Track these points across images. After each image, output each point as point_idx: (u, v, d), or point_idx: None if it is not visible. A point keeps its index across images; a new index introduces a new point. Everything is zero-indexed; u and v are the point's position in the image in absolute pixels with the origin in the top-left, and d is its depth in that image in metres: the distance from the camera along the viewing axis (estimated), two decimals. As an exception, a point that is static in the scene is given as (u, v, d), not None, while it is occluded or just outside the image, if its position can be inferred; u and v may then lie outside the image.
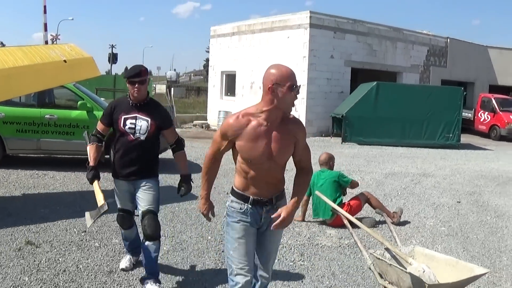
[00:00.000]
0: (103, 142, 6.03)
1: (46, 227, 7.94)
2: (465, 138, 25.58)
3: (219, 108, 29.79)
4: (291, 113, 4.34)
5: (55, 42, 44.71)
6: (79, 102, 12.44)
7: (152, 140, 5.86)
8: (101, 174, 6.03)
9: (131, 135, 5.74)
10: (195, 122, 31.48)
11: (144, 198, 5.76)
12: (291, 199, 4.30)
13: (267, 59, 26.41)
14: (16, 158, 13.10)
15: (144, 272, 5.90)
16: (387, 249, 5.74)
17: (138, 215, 5.94)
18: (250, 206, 4.37)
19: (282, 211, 4.21)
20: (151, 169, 5.91)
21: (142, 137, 5.75)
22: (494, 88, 35.89)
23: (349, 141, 22.20)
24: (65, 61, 9.30)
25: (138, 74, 5.71)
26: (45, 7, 34.44)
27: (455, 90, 23.89)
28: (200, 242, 7.59)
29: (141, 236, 5.99)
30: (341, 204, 8.47)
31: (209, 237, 7.87)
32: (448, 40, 33.42)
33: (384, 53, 29.19)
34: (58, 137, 12.48)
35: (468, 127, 30.17)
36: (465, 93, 23.36)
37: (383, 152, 19.91)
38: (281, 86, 4.10)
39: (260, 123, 4.21)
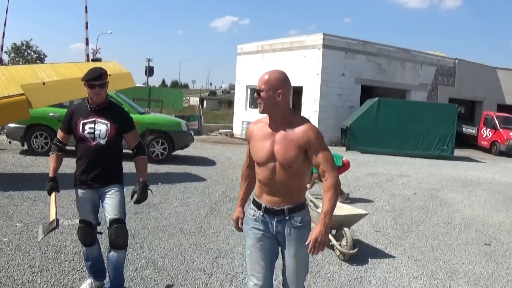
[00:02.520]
0: (65, 151, 5.78)
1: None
2: (467, 152, 27.85)
3: (243, 119, 32.46)
4: (304, 117, 4.40)
5: (95, 55, 47.51)
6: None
7: (113, 145, 5.59)
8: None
9: (91, 140, 5.51)
10: (220, 130, 34.22)
11: (110, 205, 5.52)
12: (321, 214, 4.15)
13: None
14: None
15: (109, 282, 5.74)
16: (311, 201, 8.50)
17: (101, 233, 5.90)
18: (262, 213, 4.34)
19: (311, 233, 4.10)
20: (115, 175, 5.63)
21: (102, 142, 5.51)
22: (502, 107, 37.51)
23: (353, 150, 24.55)
24: (109, 75, 12.10)
25: (99, 77, 5.52)
26: (86, 23, 36.89)
27: (450, 106, 26.24)
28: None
29: (102, 248, 5.95)
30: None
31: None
32: (457, 61, 35.34)
33: (393, 72, 31.51)
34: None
35: (473, 142, 32.19)
36: (459, 110, 25.46)
37: (378, 159, 22.28)
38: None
39: (266, 125, 4.30)
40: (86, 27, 37.14)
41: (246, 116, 32.82)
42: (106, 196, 5.56)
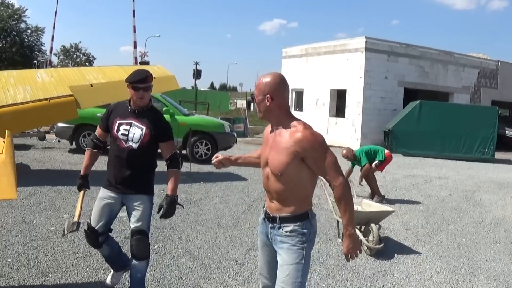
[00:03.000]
0: (102, 149, 5.75)
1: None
2: (510, 155, 27.69)
3: (288, 122, 33.02)
4: (302, 122, 4.09)
5: (143, 58, 48.54)
6: (164, 108, 16.38)
7: (146, 151, 5.41)
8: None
9: (123, 142, 5.36)
10: (266, 132, 34.86)
11: (135, 216, 5.40)
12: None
13: (330, 79, 29.80)
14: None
15: None
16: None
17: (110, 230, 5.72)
18: (263, 217, 4.31)
19: (343, 249, 4.12)
20: (144, 184, 5.45)
21: (134, 145, 5.34)
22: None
23: (395, 152, 24.25)
24: (155, 78, 12.77)
25: (144, 80, 5.37)
26: (134, 26, 37.92)
27: (491, 109, 26.37)
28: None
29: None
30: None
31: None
32: (499, 63, 35.11)
33: (436, 75, 31.58)
34: (146, 135, 15.92)
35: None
36: (500, 112, 25.51)
37: (419, 161, 22.52)
38: None
39: (270, 129, 4.25)
40: (134, 31, 38.16)
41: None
42: (133, 206, 5.43)
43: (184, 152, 16.83)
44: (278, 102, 4.06)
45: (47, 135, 19.65)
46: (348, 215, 3.99)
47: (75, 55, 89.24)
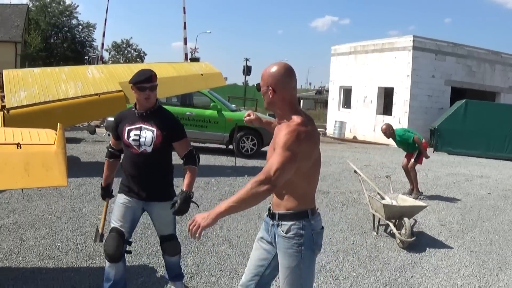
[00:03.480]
0: (119, 158, 5.63)
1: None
2: None
3: (336, 119, 33.31)
4: (297, 115, 3.84)
5: (194, 54, 49.28)
6: (211, 104, 17.18)
7: (160, 153, 5.27)
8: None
9: (136, 148, 5.23)
10: (314, 129, 35.25)
11: (162, 223, 5.43)
12: None
13: (378, 76, 30.07)
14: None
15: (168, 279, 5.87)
16: (378, 193, 9.39)
17: (130, 252, 5.54)
18: (267, 213, 4.12)
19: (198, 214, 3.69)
20: (164, 189, 5.35)
21: (148, 149, 5.21)
22: None
23: (440, 151, 24.95)
24: (202, 74, 13.32)
25: (149, 79, 5.23)
26: (185, 23, 38.54)
27: (538, 109, 26.04)
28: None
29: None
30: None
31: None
32: None
33: (483, 74, 31.51)
34: (195, 129, 16.85)
35: None
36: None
37: (463, 160, 22.61)
38: None
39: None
40: (185, 27, 38.79)
41: (339, 116, 33.65)
42: (157, 214, 5.38)
43: (230, 147, 17.46)
44: (281, 95, 3.85)
45: (97, 129, 20.39)
46: (233, 197, 3.58)
47: (126, 51, 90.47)
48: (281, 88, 3.83)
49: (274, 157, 3.62)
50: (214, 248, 7.63)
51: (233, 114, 17.55)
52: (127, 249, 5.35)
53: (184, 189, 5.10)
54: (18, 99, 10.35)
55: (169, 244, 5.47)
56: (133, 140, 5.23)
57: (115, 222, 5.31)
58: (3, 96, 10.48)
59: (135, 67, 12.29)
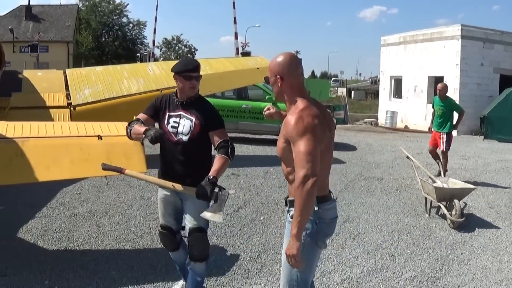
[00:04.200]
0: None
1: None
2: None
3: (387, 109, 33.72)
4: (303, 104, 3.90)
5: (244, 49, 50.04)
6: (267, 97, 17.85)
7: (197, 143, 5.17)
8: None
9: (173, 136, 5.18)
10: (365, 120, 35.75)
11: (191, 212, 5.18)
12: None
13: (427, 66, 30.37)
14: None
15: None
16: (429, 177, 10.05)
17: (186, 237, 5.38)
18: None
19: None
20: (200, 178, 4.96)
21: (185, 138, 5.14)
22: None
23: (490, 138, 25.05)
24: (257, 68, 14.00)
25: (196, 69, 5.22)
26: (235, 18, 39.38)
27: None
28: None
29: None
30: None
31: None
32: None
33: (531, 62, 31.35)
34: (251, 121, 17.68)
35: None
36: None
37: None
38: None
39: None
40: (235, 22, 39.60)
41: (390, 106, 33.96)
42: (188, 201, 5.20)
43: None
44: (289, 82, 3.96)
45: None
46: (296, 213, 3.66)
47: (177, 47, 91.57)
48: (289, 76, 3.96)
49: (296, 150, 3.68)
50: (277, 230, 8.33)
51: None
52: (183, 235, 5.48)
53: (210, 174, 4.89)
54: (83, 96, 10.83)
55: (199, 236, 5.19)
56: (172, 127, 5.21)
57: (161, 218, 5.49)
58: (69, 94, 10.90)
59: None
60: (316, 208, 3.87)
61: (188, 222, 5.22)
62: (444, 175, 11.55)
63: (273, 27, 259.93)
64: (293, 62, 4.03)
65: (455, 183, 9.94)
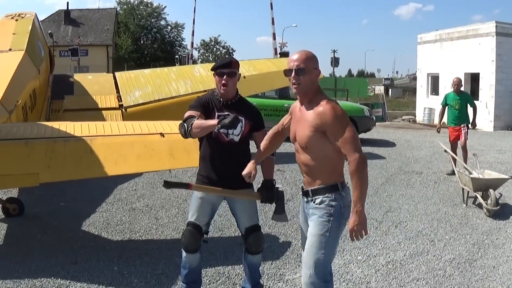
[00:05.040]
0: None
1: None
2: None
3: (425, 105, 34.07)
4: (327, 97, 4.30)
5: (283, 49, 50.65)
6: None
7: (245, 143, 5.30)
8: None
9: (224, 136, 5.10)
10: (404, 117, 36.06)
11: (246, 213, 5.28)
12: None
13: (464, 63, 30.61)
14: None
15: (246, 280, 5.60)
16: (466, 169, 10.70)
17: (206, 241, 5.44)
18: (302, 195, 4.45)
19: (348, 224, 4.13)
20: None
21: (236, 138, 5.14)
22: None
23: None
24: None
25: (228, 65, 5.17)
26: (273, 19, 39.88)
27: None
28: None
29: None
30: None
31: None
32: None
33: None
34: (292, 119, 18.16)
35: None
36: None
37: None
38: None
39: (299, 106, 4.40)
40: (273, 23, 40.11)
41: (428, 103, 34.22)
42: (238, 203, 5.27)
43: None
44: (318, 77, 4.33)
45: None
46: (358, 192, 4.01)
47: (214, 48, 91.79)
48: (319, 71, 4.35)
49: (346, 136, 4.02)
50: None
51: (328, 104, 18.84)
52: (203, 239, 5.35)
53: (266, 178, 5.22)
54: (134, 98, 11.14)
55: (255, 236, 5.30)
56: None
57: (193, 216, 5.29)
58: (119, 96, 11.23)
59: None
60: (342, 194, 4.29)
61: (244, 224, 5.30)
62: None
63: (309, 27, 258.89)
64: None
65: (490, 174, 10.55)
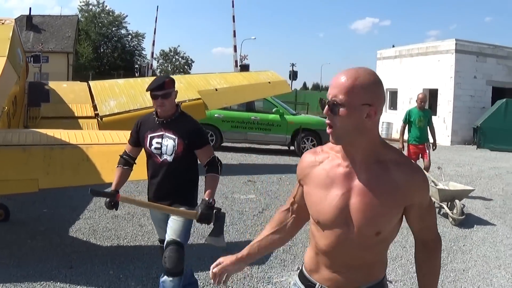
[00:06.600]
0: (132, 166, 5.36)
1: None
2: None
3: (383, 120, 34.76)
4: (402, 152, 2.70)
5: (243, 61, 50.98)
6: (274, 109, 19.05)
7: (183, 162, 5.06)
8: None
9: (158, 157, 5.09)
10: (361, 130, 36.76)
11: (172, 227, 5.02)
12: None
13: (422, 78, 31.50)
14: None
15: None
16: (432, 181, 11.23)
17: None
18: None
19: None
20: (184, 195, 5.13)
21: (169, 158, 5.04)
22: None
23: (483, 147, 26.36)
24: (269, 82, 15.02)
25: (161, 87, 5.00)
26: (234, 31, 40.12)
27: None
28: None
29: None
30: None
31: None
32: None
33: (523, 74, 32.61)
34: (259, 132, 19.03)
35: None
36: None
37: (505, 156, 23.80)
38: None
39: (340, 162, 2.63)
40: (234, 35, 40.33)
41: (386, 118, 34.85)
42: (172, 218, 5.09)
43: (292, 148, 19.50)
44: (377, 117, 2.56)
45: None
46: (435, 279, 2.92)
47: (174, 59, 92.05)
48: (380, 108, 2.53)
49: (430, 211, 2.75)
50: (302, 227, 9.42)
51: (294, 118, 19.63)
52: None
53: (205, 197, 4.96)
54: (109, 108, 11.20)
55: (175, 249, 4.93)
56: (155, 148, 5.10)
57: (158, 234, 5.52)
58: (95, 105, 11.30)
59: (210, 77, 13.66)
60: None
61: (168, 236, 5.04)
62: None
63: (267, 39, 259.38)
64: (382, 88, 2.63)
65: (455, 186, 11.15)
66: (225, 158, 17.34)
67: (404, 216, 2.68)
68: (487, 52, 31.37)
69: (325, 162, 2.67)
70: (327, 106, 2.51)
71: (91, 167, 6.77)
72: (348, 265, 2.67)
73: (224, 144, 19.59)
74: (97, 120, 10.86)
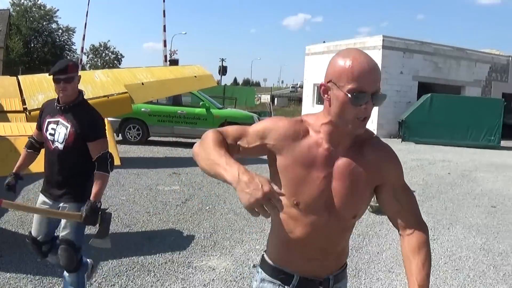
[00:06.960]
0: (39, 150, 5.16)
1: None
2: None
3: (312, 114, 35.24)
4: (371, 133, 2.56)
5: (173, 56, 50.47)
6: (200, 103, 19.02)
7: (73, 153, 4.77)
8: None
9: (51, 143, 4.83)
10: (289, 125, 37.20)
11: (63, 223, 4.86)
12: None
13: (350, 74, 31.93)
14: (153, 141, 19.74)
15: None
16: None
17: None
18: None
19: None
20: (74, 191, 4.85)
21: (60, 146, 4.76)
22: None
23: (407, 141, 26.96)
24: (195, 76, 15.01)
25: (64, 70, 4.72)
26: (164, 26, 39.31)
27: (496, 100, 28.51)
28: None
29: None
30: None
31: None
32: (510, 58, 36.94)
33: (448, 70, 33.65)
34: (185, 126, 18.94)
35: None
36: (505, 103, 27.67)
37: (429, 148, 24.53)
38: (338, 88, 2.36)
39: (319, 142, 2.45)
40: (164, 30, 39.68)
41: (313, 112, 35.47)
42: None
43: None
44: None
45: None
46: (428, 270, 2.48)
47: (104, 54, 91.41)
48: None
49: (410, 194, 2.64)
50: (222, 216, 9.47)
51: (220, 111, 19.67)
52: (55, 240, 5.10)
53: (91, 199, 4.69)
54: (37, 102, 10.80)
55: (64, 249, 4.85)
56: (50, 134, 4.84)
57: (33, 230, 5.07)
58: (24, 100, 11.03)
59: (136, 71, 13.49)
60: None
61: (60, 232, 4.91)
62: None
63: (199, 35, 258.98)
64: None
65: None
66: (152, 151, 17.35)
67: (377, 199, 2.61)
68: (414, 48, 32.17)
69: (307, 137, 2.47)
70: (373, 98, 2.34)
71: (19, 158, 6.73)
72: (324, 251, 2.55)
73: (151, 138, 19.52)
74: (26, 114, 10.62)
